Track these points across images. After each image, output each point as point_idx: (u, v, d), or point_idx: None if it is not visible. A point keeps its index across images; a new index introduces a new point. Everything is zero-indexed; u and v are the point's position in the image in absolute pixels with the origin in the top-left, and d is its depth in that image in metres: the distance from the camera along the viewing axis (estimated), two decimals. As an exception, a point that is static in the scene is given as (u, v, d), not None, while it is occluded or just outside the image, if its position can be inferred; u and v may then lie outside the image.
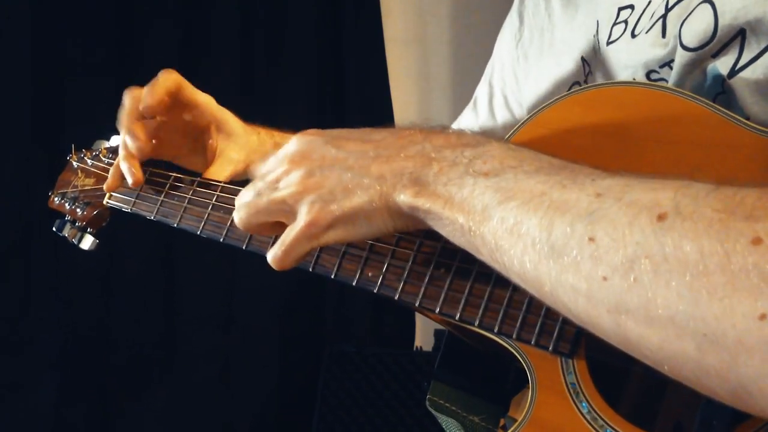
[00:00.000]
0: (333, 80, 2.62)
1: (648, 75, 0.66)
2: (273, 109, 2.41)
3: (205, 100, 0.93)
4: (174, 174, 0.89)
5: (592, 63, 0.77)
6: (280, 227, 0.63)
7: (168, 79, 0.89)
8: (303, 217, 0.58)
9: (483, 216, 0.49)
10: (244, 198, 0.64)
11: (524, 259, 0.46)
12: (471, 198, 0.50)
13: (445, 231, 0.53)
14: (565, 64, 0.82)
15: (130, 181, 0.89)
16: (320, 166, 0.59)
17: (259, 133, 0.99)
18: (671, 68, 0.63)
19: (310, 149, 0.61)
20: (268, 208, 0.61)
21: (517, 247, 0.46)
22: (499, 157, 0.52)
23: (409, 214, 0.55)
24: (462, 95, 2.79)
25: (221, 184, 0.83)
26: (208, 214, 0.81)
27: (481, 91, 1.03)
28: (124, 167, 0.90)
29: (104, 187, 0.94)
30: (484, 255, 0.50)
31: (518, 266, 0.46)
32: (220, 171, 0.92)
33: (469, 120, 1.06)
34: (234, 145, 0.95)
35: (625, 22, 0.72)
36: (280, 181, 0.61)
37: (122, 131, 0.90)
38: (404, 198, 0.54)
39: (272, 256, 0.61)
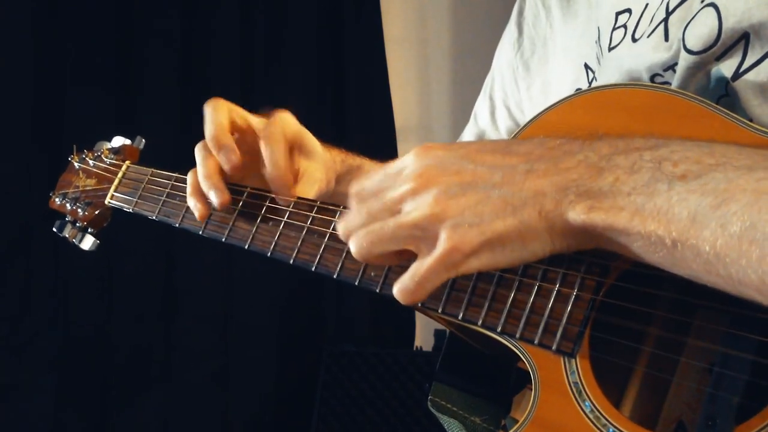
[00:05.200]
0: (333, 80, 2.62)
1: (652, 78, 0.66)
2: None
3: (296, 125, 0.84)
4: (176, 175, 0.89)
5: (596, 69, 0.77)
6: (401, 256, 0.56)
7: (281, 134, 0.79)
8: (443, 243, 0.51)
9: (692, 225, 0.43)
10: (355, 222, 0.56)
11: (765, 269, 0.40)
12: (669, 206, 0.44)
13: (633, 247, 0.47)
14: (568, 71, 0.82)
15: (217, 201, 0.77)
16: (459, 183, 0.51)
17: (330, 151, 0.92)
18: (675, 72, 0.63)
19: (442, 165, 0.53)
20: (396, 234, 0.53)
21: (752, 254, 0.41)
22: (693, 157, 0.45)
23: (579, 233, 0.49)
24: (462, 95, 2.80)
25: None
26: (211, 214, 0.82)
27: (481, 105, 1.02)
28: (208, 185, 0.78)
29: (197, 215, 0.80)
30: (695, 269, 0.45)
31: (755, 277, 0.41)
32: (305, 191, 0.83)
33: (472, 135, 1.05)
34: (316, 164, 0.87)
35: (624, 26, 0.72)
36: (405, 201, 0.53)
37: (216, 147, 0.78)
38: (574, 215, 0.48)
39: (402, 288, 0.54)
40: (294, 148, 0.84)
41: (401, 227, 0.53)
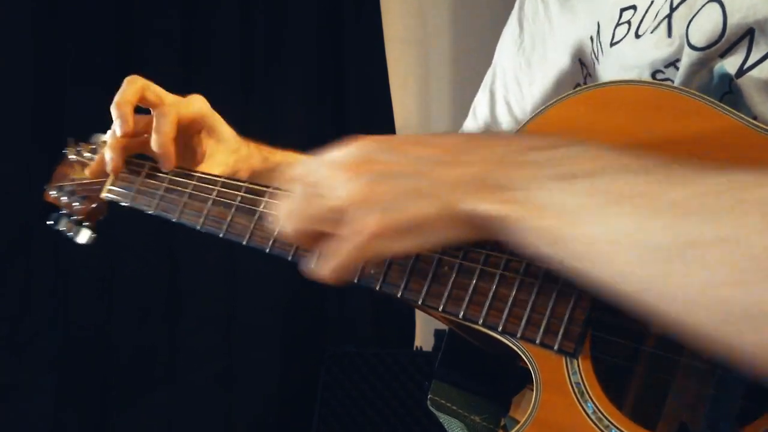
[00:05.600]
0: (333, 80, 2.62)
1: (654, 75, 0.66)
2: (273, 108, 2.41)
3: (200, 107, 0.94)
4: (174, 169, 0.88)
5: (591, 65, 0.77)
6: (325, 239, 0.58)
7: (174, 110, 0.90)
8: (359, 227, 0.54)
9: (576, 220, 0.45)
10: (289, 204, 0.60)
11: (629, 270, 0.43)
12: (559, 202, 0.46)
13: (525, 241, 0.49)
14: (566, 67, 0.81)
15: (108, 168, 0.90)
16: (381, 172, 0.55)
17: (248, 146, 1.00)
18: (677, 68, 0.63)
19: (370, 155, 0.56)
20: (320, 215, 0.57)
21: (623, 254, 0.43)
22: (588, 158, 0.48)
23: (478, 224, 0.51)
24: (462, 95, 2.80)
25: (222, 179, 0.83)
26: (208, 209, 0.81)
27: (480, 99, 1.02)
28: (107, 156, 0.90)
29: (86, 171, 0.96)
30: (577, 264, 0.47)
31: (620, 276, 0.43)
32: (207, 171, 0.91)
33: (471, 129, 1.05)
34: (224, 150, 0.96)
35: (629, 22, 0.72)
36: (336, 188, 0.56)
37: (114, 114, 0.90)
38: (469, 206, 0.50)
39: (319, 268, 0.57)
40: (201, 129, 0.94)
41: (326, 210, 0.56)
